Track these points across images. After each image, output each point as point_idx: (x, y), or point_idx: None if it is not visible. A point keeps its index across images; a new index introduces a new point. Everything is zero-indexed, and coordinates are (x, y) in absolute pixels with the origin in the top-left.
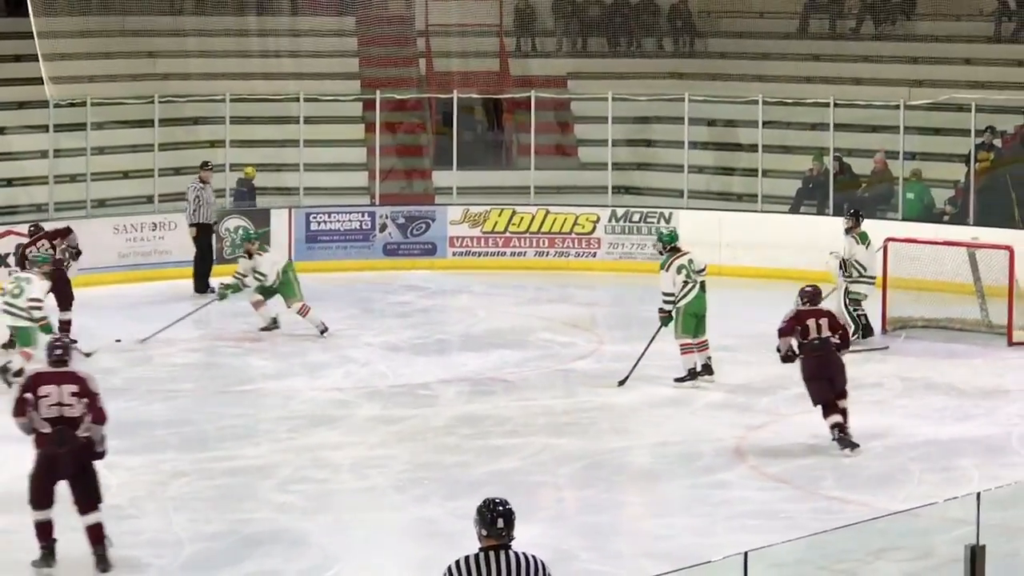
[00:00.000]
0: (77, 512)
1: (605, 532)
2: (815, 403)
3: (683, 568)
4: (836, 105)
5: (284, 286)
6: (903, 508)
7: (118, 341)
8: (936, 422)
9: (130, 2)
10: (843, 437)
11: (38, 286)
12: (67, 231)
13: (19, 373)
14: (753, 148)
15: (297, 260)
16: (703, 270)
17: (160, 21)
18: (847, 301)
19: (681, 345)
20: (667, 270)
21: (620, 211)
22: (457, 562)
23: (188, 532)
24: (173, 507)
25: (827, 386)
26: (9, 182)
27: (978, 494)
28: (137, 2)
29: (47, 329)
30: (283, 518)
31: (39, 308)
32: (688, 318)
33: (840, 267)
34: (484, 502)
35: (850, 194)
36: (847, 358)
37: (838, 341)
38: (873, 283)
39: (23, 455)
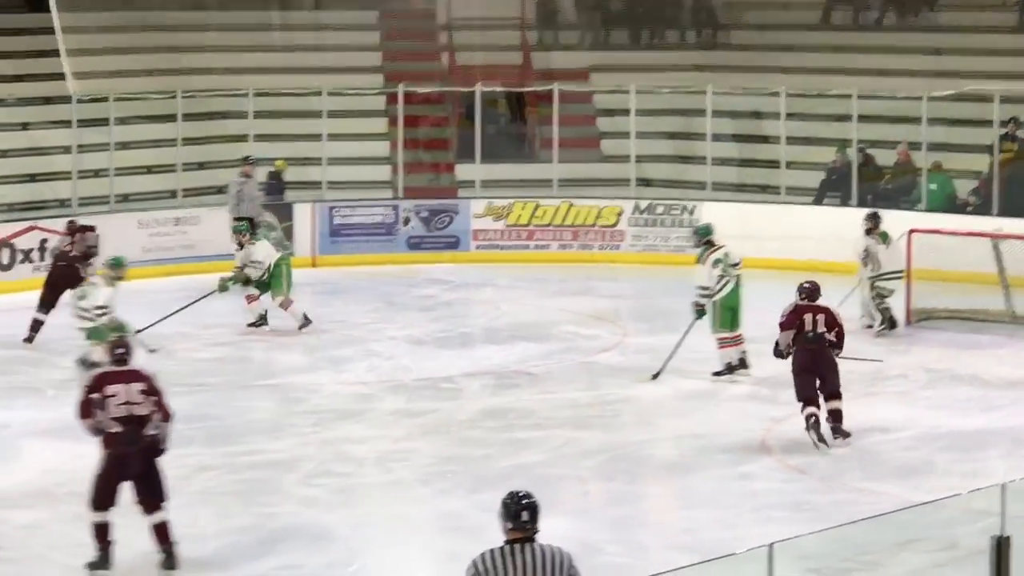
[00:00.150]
0: (142, 512)
1: (630, 525)
2: (799, 398)
3: (709, 560)
4: (859, 97)
5: (273, 278)
6: (928, 499)
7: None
8: (961, 413)
9: None
10: (816, 430)
11: (104, 292)
12: (86, 229)
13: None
14: (776, 140)
15: (321, 254)
16: (738, 264)
17: (182, 16)
18: (873, 295)
19: (719, 339)
20: (703, 263)
21: (644, 203)
22: (482, 555)
23: (213, 526)
24: (198, 501)
25: (814, 382)
26: (33, 177)
27: (1003, 485)
28: None
29: (118, 329)
30: (307, 512)
31: (105, 315)
32: (725, 312)
33: (863, 262)
34: (508, 495)
35: (873, 185)
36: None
37: (833, 339)
38: (900, 277)
39: (48, 450)
